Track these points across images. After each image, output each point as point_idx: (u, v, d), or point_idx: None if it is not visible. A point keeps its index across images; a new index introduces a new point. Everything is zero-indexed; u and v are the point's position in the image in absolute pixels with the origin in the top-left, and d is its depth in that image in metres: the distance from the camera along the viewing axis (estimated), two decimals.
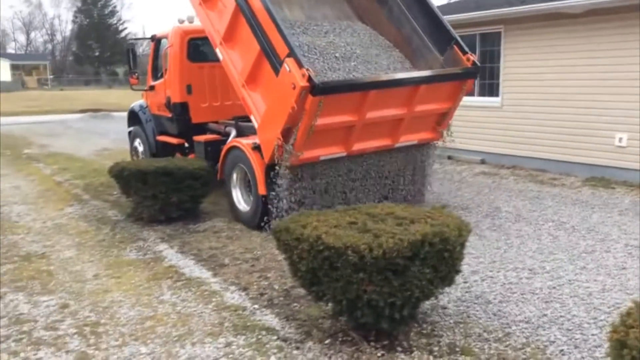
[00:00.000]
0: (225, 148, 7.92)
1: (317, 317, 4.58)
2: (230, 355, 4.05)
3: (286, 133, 6.58)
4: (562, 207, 8.10)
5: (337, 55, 7.26)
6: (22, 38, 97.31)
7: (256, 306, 4.89)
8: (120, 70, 69.30)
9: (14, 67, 76.97)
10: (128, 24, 77.86)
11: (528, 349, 4.08)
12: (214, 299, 5.05)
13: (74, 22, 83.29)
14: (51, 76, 76.59)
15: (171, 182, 7.30)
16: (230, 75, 7.56)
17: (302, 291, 4.78)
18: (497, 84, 11.67)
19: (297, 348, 4.12)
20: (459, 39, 7.64)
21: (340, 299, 3.92)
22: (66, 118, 25.78)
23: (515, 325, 4.46)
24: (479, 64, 7.68)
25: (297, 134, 6.47)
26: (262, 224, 7.05)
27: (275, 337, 4.29)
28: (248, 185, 7.56)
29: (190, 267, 5.91)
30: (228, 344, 4.21)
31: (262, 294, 5.15)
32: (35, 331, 4.47)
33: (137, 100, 11.27)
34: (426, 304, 4.58)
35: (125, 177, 7.47)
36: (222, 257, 6.21)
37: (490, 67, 11.80)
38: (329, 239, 3.78)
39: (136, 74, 11.06)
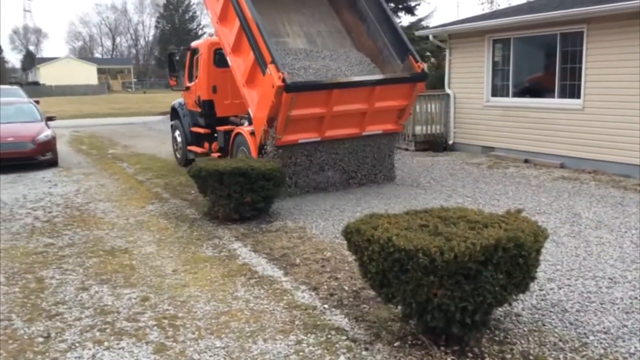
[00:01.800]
0: (232, 134, 10.34)
1: (387, 319, 4.58)
2: (301, 353, 4.12)
3: (270, 121, 8.75)
4: None
5: (320, 70, 9.39)
6: (108, 43, 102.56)
7: (326, 306, 4.95)
8: None
9: (100, 71, 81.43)
10: (207, 28, 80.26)
11: None
12: (285, 298, 5.16)
13: (156, 27, 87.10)
14: (134, 79, 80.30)
15: (245, 183, 7.50)
16: (236, 77, 9.84)
17: (371, 293, 4.80)
18: (579, 86, 11.22)
19: (366, 349, 4.15)
20: (413, 50, 9.67)
21: (410, 302, 3.91)
22: (148, 120, 26.93)
23: (593, 336, 4.29)
24: (427, 70, 9.82)
25: (278, 121, 8.61)
26: None
27: (344, 337, 4.33)
28: None
29: (263, 266, 6.06)
30: (298, 342, 4.29)
31: (332, 294, 5.21)
32: (118, 322, 4.73)
33: (178, 99, 13.68)
34: (499, 311, 4.48)
35: (202, 176, 7.75)
36: (293, 256, 6.32)
37: (571, 67, 11.37)
38: (399, 241, 3.78)
39: (175, 77, 13.34)
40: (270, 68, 8.44)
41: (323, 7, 10.89)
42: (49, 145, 13.14)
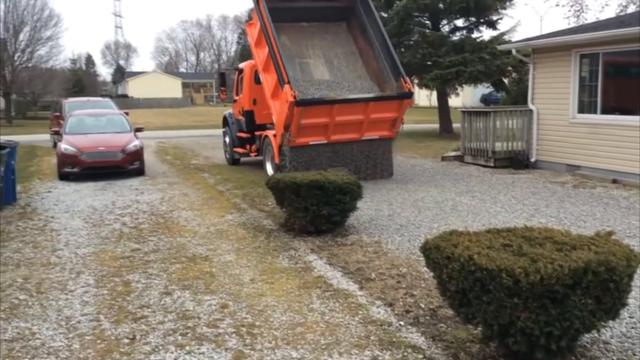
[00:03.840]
0: (262, 137, 13.09)
1: (465, 340, 4.46)
2: None
3: (286, 127, 11.33)
4: None
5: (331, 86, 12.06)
6: (192, 58, 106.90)
7: (402, 323, 4.89)
8: None
9: (184, 85, 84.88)
10: None
11: None
12: (360, 312, 5.14)
13: (238, 43, 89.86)
14: (216, 93, 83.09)
15: (322, 196, 7.56)
16: (264, 91, 12.50)
17: (449, 312, 4.70)
18: None
19: None
20: (403, 73, 11.87)
21: (491, 323, 3.79)
22: None
23: None
24: (413, 90, 12.62)
25: (292, 128, 11.19)
26: None
27: (421, 356, 4.25)
28: (272, 159, 12.37)
29: (338, 279, 6.07)
30: (374, 358, 4.25)
31: (407, 311, 5.14)
32: (199, 327, 4.87)
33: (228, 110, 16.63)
34: (586, 337, 4.26)
35: (280, 188, 7.88)
36: (369, 271, 6.30)
37: None
38: (481, 259, 3.69)
39: (225, 92, 17.55)
40: (286, 87, 10.96)
41: (342, 33, 13.31)
42: (137, 155, 13.81)
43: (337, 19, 13.39)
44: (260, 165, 13.89)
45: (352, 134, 11.80)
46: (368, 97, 11.59)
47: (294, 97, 10.70)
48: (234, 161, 15.55)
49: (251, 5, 13.30)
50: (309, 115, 11.04)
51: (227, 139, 15.95)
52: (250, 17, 14.29)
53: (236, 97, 15.43)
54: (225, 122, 16.13)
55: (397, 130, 12.44)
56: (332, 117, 11.25)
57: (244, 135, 14.63)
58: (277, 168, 11.88)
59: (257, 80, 13.51)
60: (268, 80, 12.19)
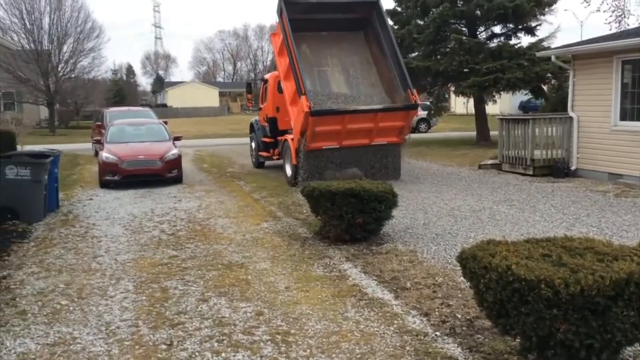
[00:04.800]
0: (282, 141, 14.21)
1: (503, 352, 4.38)
2: None
3: (302, 133, 12.44)
4: None
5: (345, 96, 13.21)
6: (229, 68, 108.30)
7: (438, 333, 4.84)
8: None
9: (221, 94, 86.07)
10: None
11: None
12: (395, 322, 5.11)
13: (273, 52, 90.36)
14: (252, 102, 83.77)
15: (357, 204, 7.55)
16: (285, 99, 13.64)
17: (486, 322, 4.63)
18: None
19: None
20: (411, 85, 12.87)
21: (529, 335, 3.72)
22: None
23: None
24: (419, 102, 14.22)
25: (307, 134, 12.28)
26: (294, 181, 12.94)
27: None
28: (290, 160, 13.39)
29: (373, 288, 6.04)
30: None
31: (444, 322, 5.08)
32: (235, 334, 4.92)
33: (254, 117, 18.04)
34: (628, 350, 4.14)
35: (315, 196, 7.90)
36: (404, 280, 6.25)
37: None
38: (519, 270, 3.62)
39: (251, 100, 20.14)
40: (302, 98, 12.11)
41: (359, 42, 14.23)
42: (175, 163, 14.06)
43: (355, 28, 14.21)
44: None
45: (363, 139, 12.83)
46: (376, 109, 12.62)
47: (309, 108, 11.86)
48: (259, 164, 16.92)
49: None
50: (322, 124, 12.13)
51: (254, 144, 17.28)
52: (275, 28, 15.00)
53: (261, 105, 16.71)
54: (252, 128, 17.42)
55: (405, 136, 13.49)
56: (344, 125, 12.34)
57: (267, 140, 15.79)
58: (294, 169, 13.08)
59: (280, 90, 14.58)
60: (288, 87, 13.34)
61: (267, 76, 16.64)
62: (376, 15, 13.84)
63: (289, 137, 13.56)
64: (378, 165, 13.17)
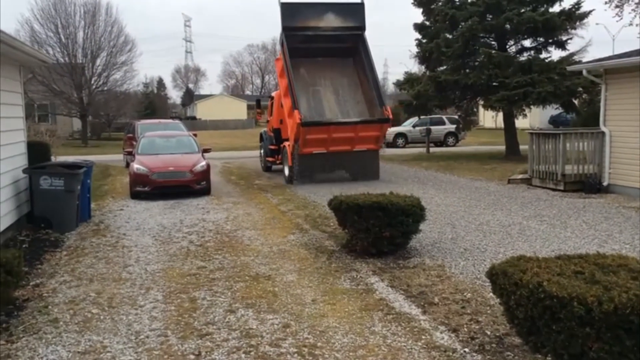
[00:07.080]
0: (282, 147, 17.27)
1: None
2: None
3: (295, 140, 15.55)
4: None
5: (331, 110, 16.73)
6: (257, 81, 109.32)
7: (466, 349, 4.77)
8: None
9: (249, 107, 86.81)
10: None
11: None
12: (423, 337, 5.06)
13: None
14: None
15: (384, 217, 7.52)
16: (283, 112, 16.66)
17: (516, 339, 4.56)
18: None
19: None
20: (385, 102, 16.41)
21: (561, 353, 3.66)
22: None
23: None
24: (391, 117, 16.13)
25: (300, 141, 15.39)
26: (290, 180, 16.04)
27: None
28: (287, 163, 16.32)
29: (400, 302, 6.01)
30: None
31: (472, 338, 5.02)
32: (262, 346, 4.93)
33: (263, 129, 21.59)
34: None
35: (342, 209, 7.90)
36: (432, 295, 6.20)
37: None
38: (551, 287, 3.57)
39: (260, 114, 24.44)
40: (295, 112, 15.28)
41: (349, 67, 17.47)
42: (204, 175, 14.23)
43: (346, 55, 17.44)
44: (323, 188, 14.53)
45: (346, 146, 15.87)
46: (355, 121, 15.79)
47: (301, 119, 15.02)
48: (266, 168, 19.69)
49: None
50: (311, 133, 15.29)
51: (262, 151, 20.41)
52: (278, 54, 18.74)
53: (269, 118, 20.35)
54: (261, 138, 20.61)
55: (381, 144, 16.96)
56: (330, 134, 15.43)
57: (273, 147, 18.78)
58: (290, 169, 16.08)
59: (282, 105, 17.27)
60: (286, 103, 16.30)
61: (273, 94, 20.33)
62: (361, 45, 16.91)
63: (286, 144, 16.52)
64: (359, 168, 16.20)
